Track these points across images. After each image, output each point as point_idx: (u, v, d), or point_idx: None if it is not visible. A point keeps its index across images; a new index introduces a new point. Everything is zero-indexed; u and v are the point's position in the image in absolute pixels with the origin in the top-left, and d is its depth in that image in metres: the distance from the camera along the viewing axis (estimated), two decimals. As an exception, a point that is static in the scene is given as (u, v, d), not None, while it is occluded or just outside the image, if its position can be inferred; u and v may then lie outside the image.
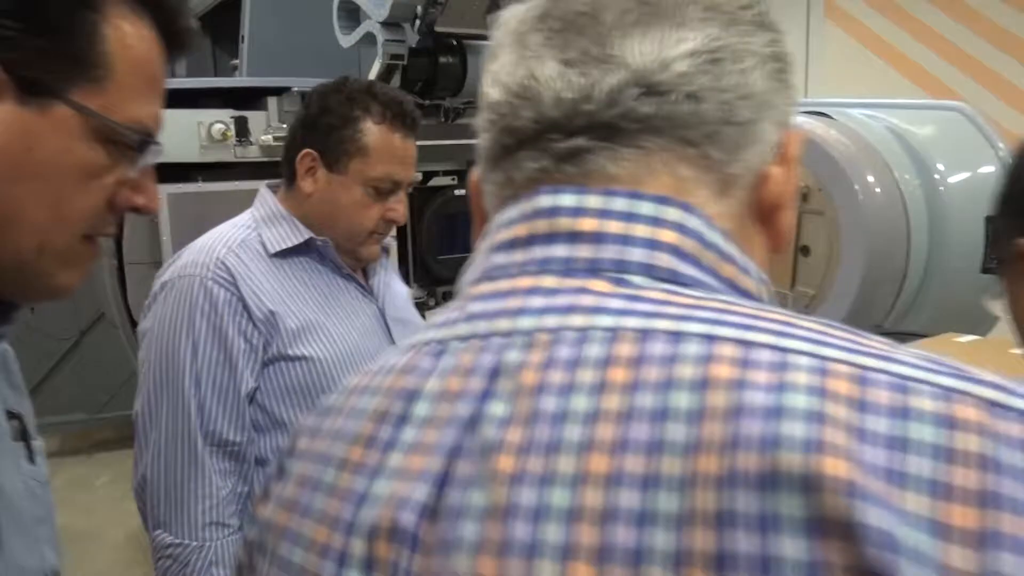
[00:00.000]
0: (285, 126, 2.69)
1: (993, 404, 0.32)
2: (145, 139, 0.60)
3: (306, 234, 1.24)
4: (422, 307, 3.02)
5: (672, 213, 0.40)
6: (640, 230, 0.40)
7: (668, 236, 0.40)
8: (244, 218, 1.29)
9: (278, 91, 2.79)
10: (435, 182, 2.93)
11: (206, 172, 2.49)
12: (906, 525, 0.29)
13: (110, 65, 0.57)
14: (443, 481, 0.37)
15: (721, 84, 0.42)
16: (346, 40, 2.76)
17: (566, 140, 0.42)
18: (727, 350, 0.35)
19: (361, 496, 0.39)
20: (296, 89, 2.78)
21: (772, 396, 0.32)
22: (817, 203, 2.15)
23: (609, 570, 0.32)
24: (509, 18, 0.46)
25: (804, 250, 2.20)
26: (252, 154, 2.57)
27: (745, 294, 0.41)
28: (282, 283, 1.21)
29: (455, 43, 2.72)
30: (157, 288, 1.23)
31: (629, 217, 0.40)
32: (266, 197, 1.30)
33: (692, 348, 0.35)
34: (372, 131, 1.21)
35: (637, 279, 0.39)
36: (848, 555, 0.29)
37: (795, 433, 0.31)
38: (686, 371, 0.34)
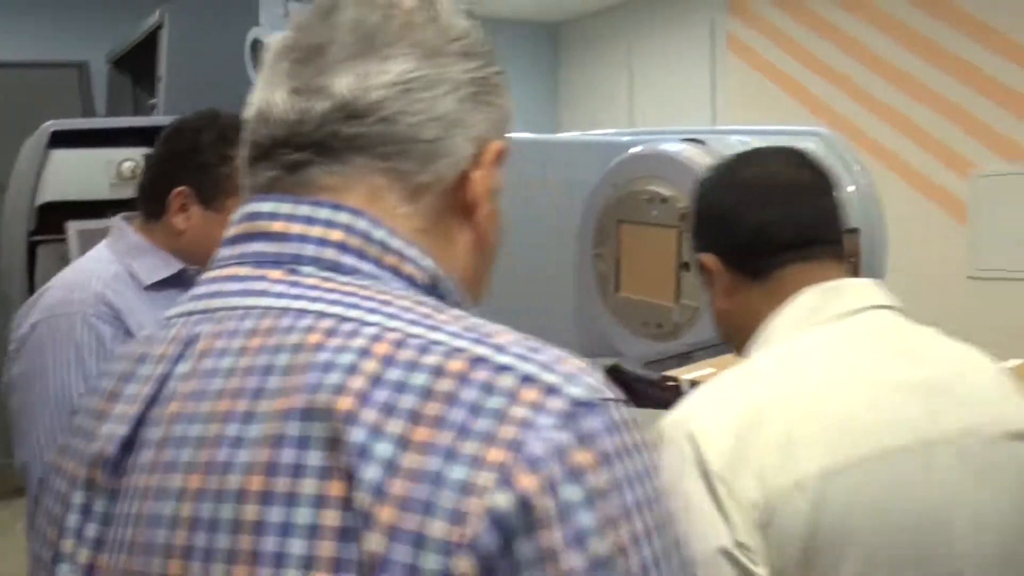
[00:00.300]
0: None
1: (477, 359, 0.44)
2: None
3: (178, 265, 1.28)
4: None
5: (343, 217, 0.51)
6: (315, 231, 0.51)
7: (336, 235, 0.51)
8: (101, 252, 1.29)
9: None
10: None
11: (117, 208, 2.55)
12: (381, 440, 0.42)
13: None
14: (139, 422, 0.50)
15: (411, 108, 0.52)
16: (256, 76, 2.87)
17: (292, 154, 0.53)
18: (325, 323, 0.47)
19: (94, 436, 0.52)
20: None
21: (332, 355, 0.45)
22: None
23: (210, 478, 0.45)
24: (271, 45, 0.57)
25: (685, 266, 2.38)
26: (162, 190, 2.64)
27: (409, 278, 0.52)
28: (159, 314, 1.22)
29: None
30: (26, 329, 1.19)
31: (309, 221, 0.51)
32: (125, 230, 1.31)
33: (306, 321, 0.47)
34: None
35: (306, 269, 0.50)
36: (337, 460, 0.42)
37: (332, 381, 0.44)
38: (293, 338, 0.46)
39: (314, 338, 0.46)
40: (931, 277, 3.94)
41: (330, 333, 0.46)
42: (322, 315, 0.47)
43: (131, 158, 2.54)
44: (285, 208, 0.52)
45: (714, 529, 0.70)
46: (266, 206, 0.53)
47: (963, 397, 0.78)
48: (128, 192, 2.57)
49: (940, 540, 0.73)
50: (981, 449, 0.75)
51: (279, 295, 0.49)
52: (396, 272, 0.52)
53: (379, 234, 0.52)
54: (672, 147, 2.49)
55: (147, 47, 3.57)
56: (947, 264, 4.12)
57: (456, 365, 0.44)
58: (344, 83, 0.52)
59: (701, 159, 2.36)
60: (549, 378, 0.44)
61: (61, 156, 2.52)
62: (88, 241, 2.44)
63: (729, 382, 0.82)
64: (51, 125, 2.54)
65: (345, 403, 0.43)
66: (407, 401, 0.43)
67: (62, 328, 1.17)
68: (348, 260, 0.51)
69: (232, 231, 0.54)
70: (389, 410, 0.43)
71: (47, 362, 1.16)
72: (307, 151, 0.52)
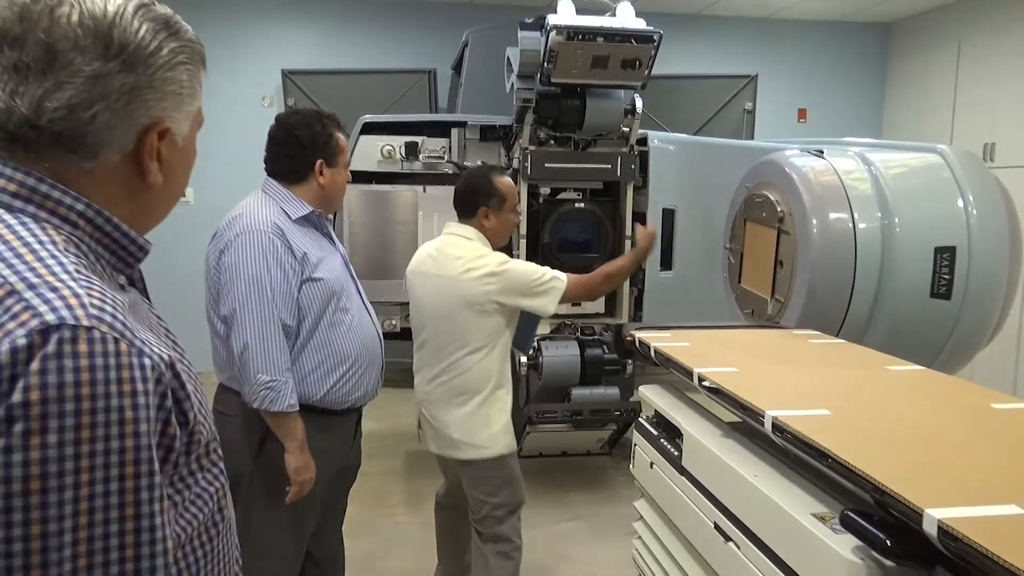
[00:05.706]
0: (441, 149, 3.77)
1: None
2: None
3: (308, 208, 2.08)
4: (546, 291, 3.84)
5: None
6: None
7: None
8: (260, 197, 2.06)
9: (461, 124, 3.87)
10: (562, 196, 3.75)
11: (378, 178, 3.70)
12: None
13: None
14: None
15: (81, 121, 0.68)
16: (507, 86, 3.70)
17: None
18: None
19: None
20: (470, 123, 3.83)
21: None
22: (788, 226, 2.56)
23: None
24: None
25: (780, 264, 2.61)
26: (416, 168, 3.68)
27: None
28: (303, 236, 2.04)
29: (578, 89, 3.49)
30: (231, 236, 1.95)
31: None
32: (277, 186, 2.06)
33: None
34: (340, 139, 2.10)
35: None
36: None
37: None
38: None
39: None
40: None
41: None
42: None
43: (390, 144, 3.60)
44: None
45: None
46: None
47: (444, 265, 2.38)
48: (390, 167, 3.66)
49: (425, 303, 2.43)
50: (445, 281, 2.35)
51: None
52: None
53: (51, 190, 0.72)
54: (785, 156, 2.70)
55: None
56: None
57: None
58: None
59: (812, 175, 2.56)
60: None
61: (364, 140, 3.68)
62: (360, 199, 3.60)
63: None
64: (364, 118, 3.72)
65: None
66: None
67: (256, 240, 2.01)
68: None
69: None
70: None
71: (249, 257, 2.01)
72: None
